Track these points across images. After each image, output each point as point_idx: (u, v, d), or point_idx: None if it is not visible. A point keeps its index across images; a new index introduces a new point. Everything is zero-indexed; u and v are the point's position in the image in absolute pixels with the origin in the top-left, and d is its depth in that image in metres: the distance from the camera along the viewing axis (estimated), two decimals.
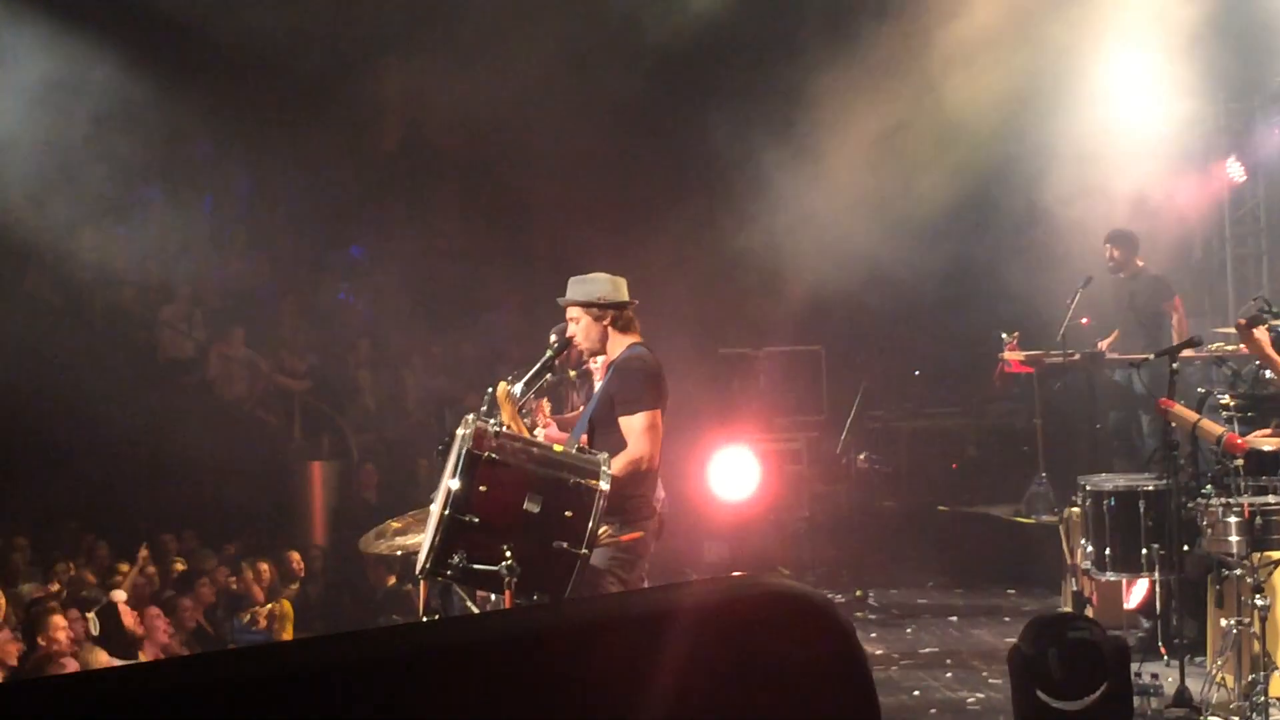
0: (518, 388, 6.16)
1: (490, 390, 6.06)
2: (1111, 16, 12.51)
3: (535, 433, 6.52)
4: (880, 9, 12.70)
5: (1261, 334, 7.49)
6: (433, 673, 1.48)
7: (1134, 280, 11.66)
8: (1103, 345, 11.76)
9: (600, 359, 6.73)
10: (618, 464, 5.82)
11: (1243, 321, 7.80)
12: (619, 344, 6.50)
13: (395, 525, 6.77)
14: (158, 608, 9.93)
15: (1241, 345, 8.41)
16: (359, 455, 14.73)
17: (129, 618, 9.56)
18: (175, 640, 9.86)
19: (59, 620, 8.55)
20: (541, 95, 14.99)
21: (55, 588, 9.92)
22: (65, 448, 13.13)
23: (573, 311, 6.57)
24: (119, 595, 9.87)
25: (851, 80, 12.93)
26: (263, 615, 11.17)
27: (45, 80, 13.41)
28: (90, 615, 9.49)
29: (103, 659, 8.86)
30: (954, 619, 10.98)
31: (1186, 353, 9.14)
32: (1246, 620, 7.07)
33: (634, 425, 6.21)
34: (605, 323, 6.49)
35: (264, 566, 11.63)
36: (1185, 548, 8.06)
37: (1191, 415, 7.92)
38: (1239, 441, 7.58)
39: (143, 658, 9.37)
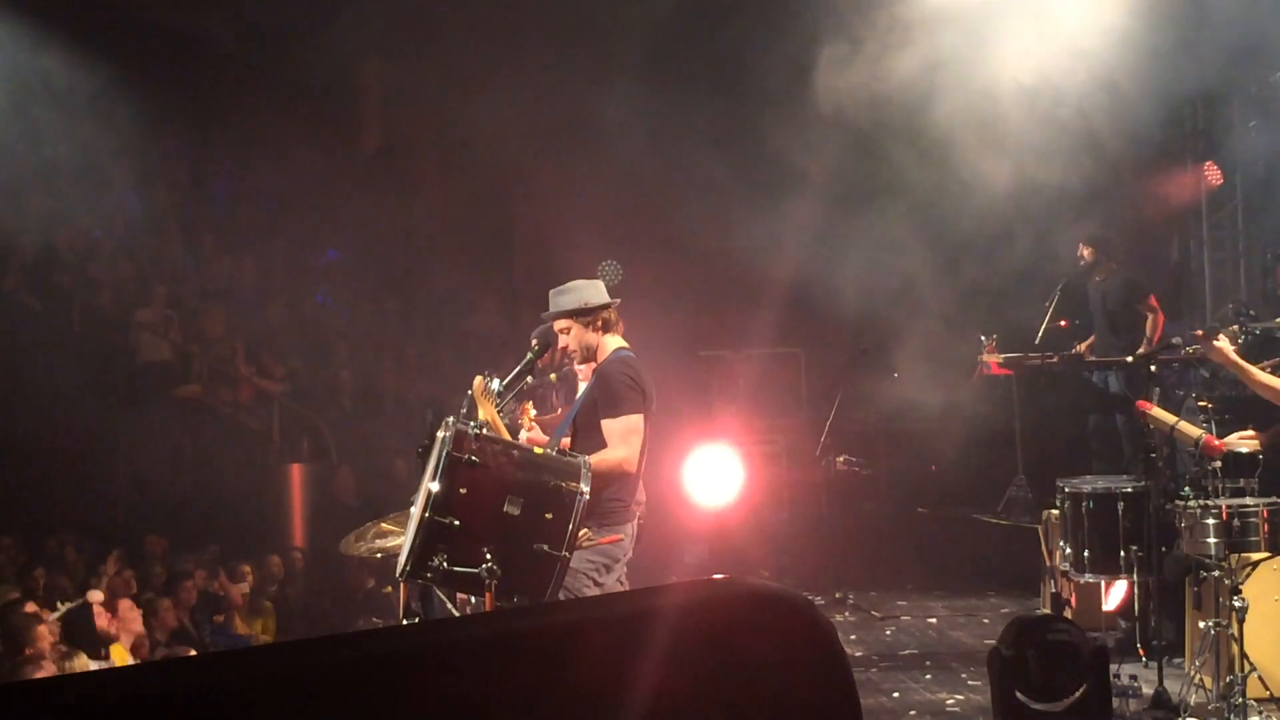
0: (496, 383, 6.15)
1: (470, 391, 6.05)
2: (1088, 18, 12.53)
3: (519, 435, 6.51)
4: (853, 24, 12.70)
5: (1223, 343, 7.51)
6: (413, 675, 1.48)
7: (1106, 282, 11.69)
8: (1082, 347, 11.79)
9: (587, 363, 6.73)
10: (599, 466, 5.82)
11: (1200, 333, 7.77)
12: (605, 347, 6.52)
13: (375, 528, 6.75)
14: (131, 600, 9.87)
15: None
16: (338, 458, 14.69)
17: (102, 619, 9.49)
18: (155, 634, 9.79)
19: (43, 630, 8.49)
20: (523, 101, 14.97)
21: (31, 609, 9.83)
22: (44, 450, 13.05)
23: (562, 323, 6.57)
24: (95, 595, 9.81)
25: (829, 84, 12.95)
26: (242, 618, 11.13)
27: (23, 81, 13.34)
28: (60, 605, 9.44)
29: (79, 664, 8.79)
30: (933, 621, 11.00)
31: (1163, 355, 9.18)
32: (1224, 622, 7.10)
33: (615, 429, 6.22)
34: (595, 326, 6.51)
35: (244, 569, 11.59)
36: (1163, 549, 8.09)
37: (1169, 417, 7.94)
38: (1217, 443, 7.61)
39: (117, 652, 9.32)
